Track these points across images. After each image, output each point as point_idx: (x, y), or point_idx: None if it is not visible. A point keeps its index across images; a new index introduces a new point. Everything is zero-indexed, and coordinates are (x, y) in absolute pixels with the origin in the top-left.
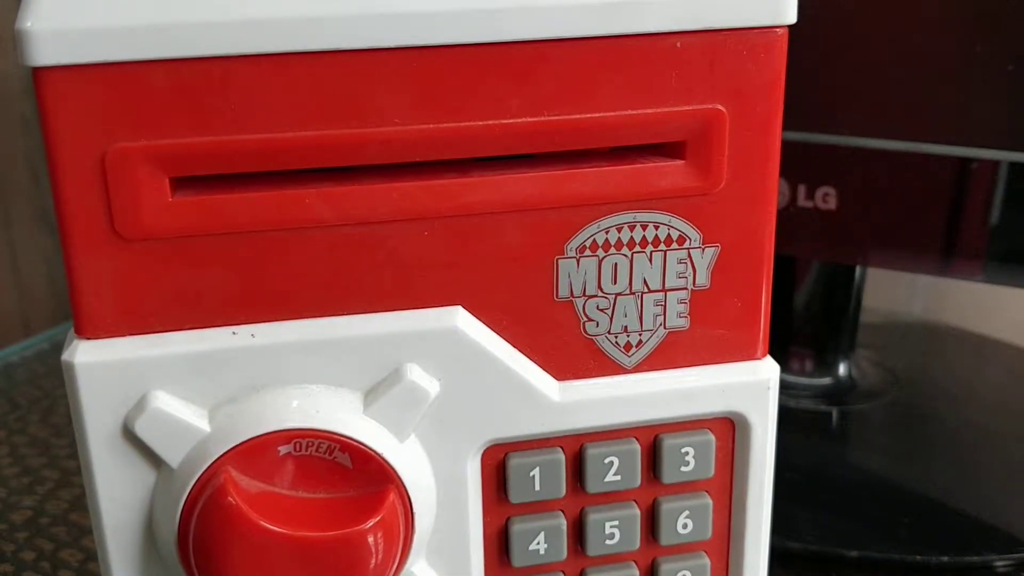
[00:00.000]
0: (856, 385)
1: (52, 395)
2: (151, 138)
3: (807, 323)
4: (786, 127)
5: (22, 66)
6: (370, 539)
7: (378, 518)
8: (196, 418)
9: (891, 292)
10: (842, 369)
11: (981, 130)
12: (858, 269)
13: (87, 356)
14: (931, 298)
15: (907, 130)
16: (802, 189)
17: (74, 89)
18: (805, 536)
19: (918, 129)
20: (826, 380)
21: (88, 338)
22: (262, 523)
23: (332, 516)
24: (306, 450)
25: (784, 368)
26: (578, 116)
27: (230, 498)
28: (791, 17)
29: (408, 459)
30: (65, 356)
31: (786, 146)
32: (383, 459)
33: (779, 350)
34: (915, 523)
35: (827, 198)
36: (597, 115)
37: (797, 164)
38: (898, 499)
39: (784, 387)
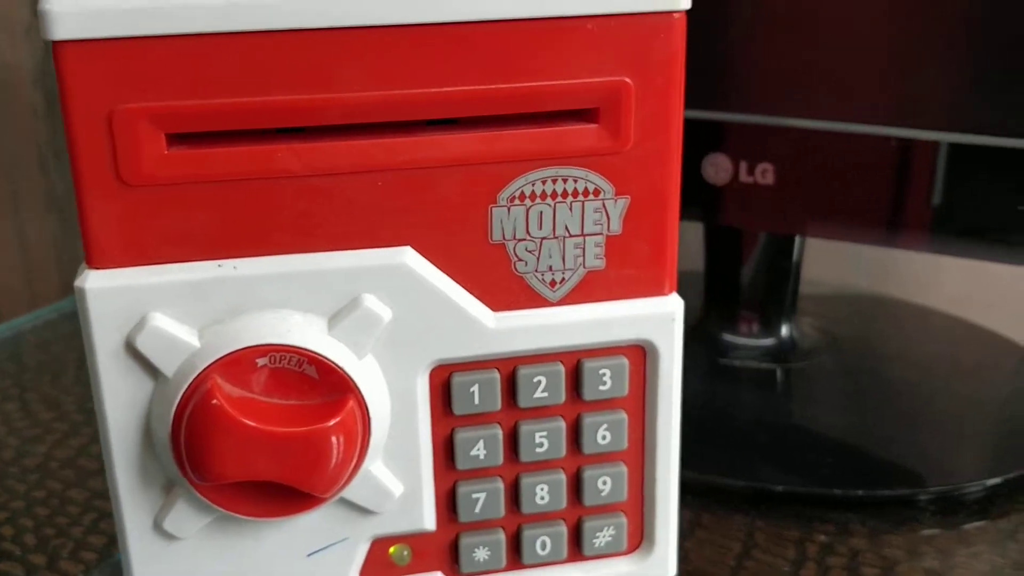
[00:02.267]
0: (797, 345)
1: (61, 359)
2: (151, 100)
3: (753, 289)
4: (728, 108)
5: (32, 58)
6: (332, 437)
7: (338, 419)
8: (188, 335)
9: (838, 266)
10: (784, 331)
11: (907, 111)
12: (797, 239)
13: (96, 283)
14: (876, 272)
15: (837, 111)
16: (743, 165)
17: (86, 59)
18: (739, 474)
19: (847, 110)
20: (770, 341)
21: (97, 268)
22: (242, 420)
23: (301, 418)
24: (279, 363)
25: (733, 331)
26: (507, 85)
27: (215, 400)
28: (685, 3)
29: (366, 374)
30: (77, 283)
31: (728, 126)
32: (344, 372)
33: (729, 315)
34: (837, 462)
35: (765, 174)
36: (523, 85)
37: (738, 142)
38: (825, 443)
39: (733, 348)
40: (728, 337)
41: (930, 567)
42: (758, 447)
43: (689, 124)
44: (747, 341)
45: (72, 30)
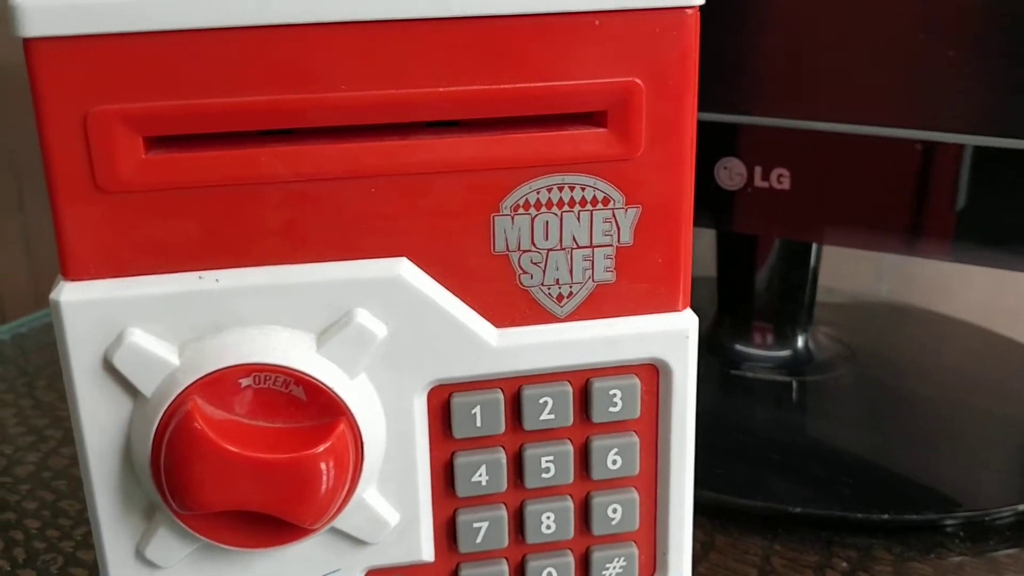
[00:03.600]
0: (813, 358)
1: (59, 362)
2: (126, 101)
3: (767, 298)
4: (742, 111)
5: None
6: (321, 463)
7: (328, 444)
8: (167, 352)
9: (858, 274)
10: (800, 342)
11: (930, 113)
12: (814, 247)
13: (71, 296)
14: (897, 279)
15: (856, 113)
16: (758, 170)
17: (59, 57)
18: (754, 494)
19: (866, 112)
20: (785, 352)
21: (73, 280)
22: (224, 446)
23: (288, 443)
24: (264, 383)
25: (747, 342)
26: (509, 86)
27: (196, 423)
28: None
29: (358, 394)
30: (52, 295)
31: (742, 129)
32: (334, 393)
33: (742, 325)
34: (858, 484)
35: (781, 179)
36: (527, 85)
37: (753, 146)
38: (844, 462)
39: (746, 359)
40: (741, 347)
41: None
42: (774, 465)
43: (702, 127)
44: (761, 352)
45: (44, 26)
